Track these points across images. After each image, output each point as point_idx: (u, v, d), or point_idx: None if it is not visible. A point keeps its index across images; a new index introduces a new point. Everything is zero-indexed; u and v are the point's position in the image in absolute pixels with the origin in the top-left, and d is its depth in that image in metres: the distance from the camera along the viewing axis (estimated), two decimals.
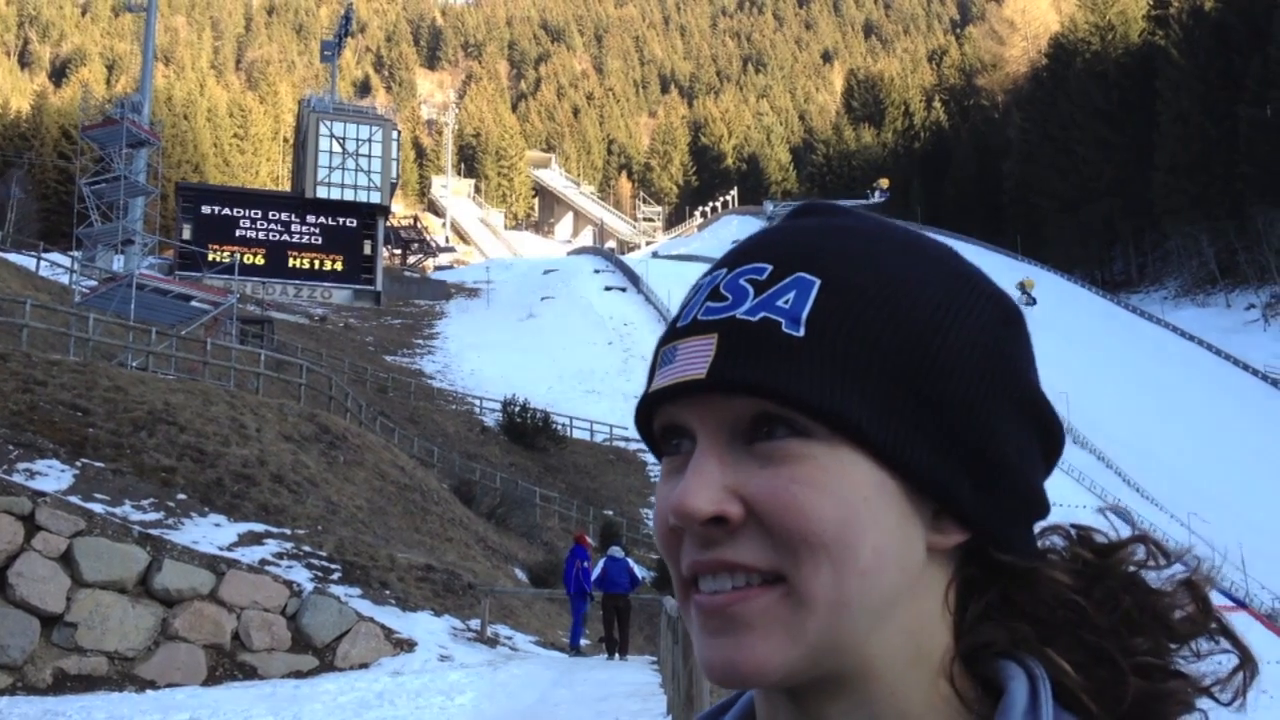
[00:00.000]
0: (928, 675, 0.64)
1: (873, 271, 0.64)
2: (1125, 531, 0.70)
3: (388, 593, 14.66)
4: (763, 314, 0.63)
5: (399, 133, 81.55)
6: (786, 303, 0.63)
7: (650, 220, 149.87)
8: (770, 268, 0.64)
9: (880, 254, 0.66)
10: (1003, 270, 70.52)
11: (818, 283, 0.63)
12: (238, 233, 65.74)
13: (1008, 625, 0.65)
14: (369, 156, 71.43)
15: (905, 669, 0.64)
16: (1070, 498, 34.72)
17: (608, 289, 79.58)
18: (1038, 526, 0.69)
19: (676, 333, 0.66)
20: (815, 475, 0.61)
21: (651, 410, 0.68)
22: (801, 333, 0.62)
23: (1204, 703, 0.65)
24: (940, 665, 0.65)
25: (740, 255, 0.67)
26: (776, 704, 0.67)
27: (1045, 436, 0.69)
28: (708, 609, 0.63)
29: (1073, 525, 0.70)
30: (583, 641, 16.24)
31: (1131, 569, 0.67)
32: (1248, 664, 0.65)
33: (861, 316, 0.62)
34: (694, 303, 0.67)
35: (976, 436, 0.64)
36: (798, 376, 0.61)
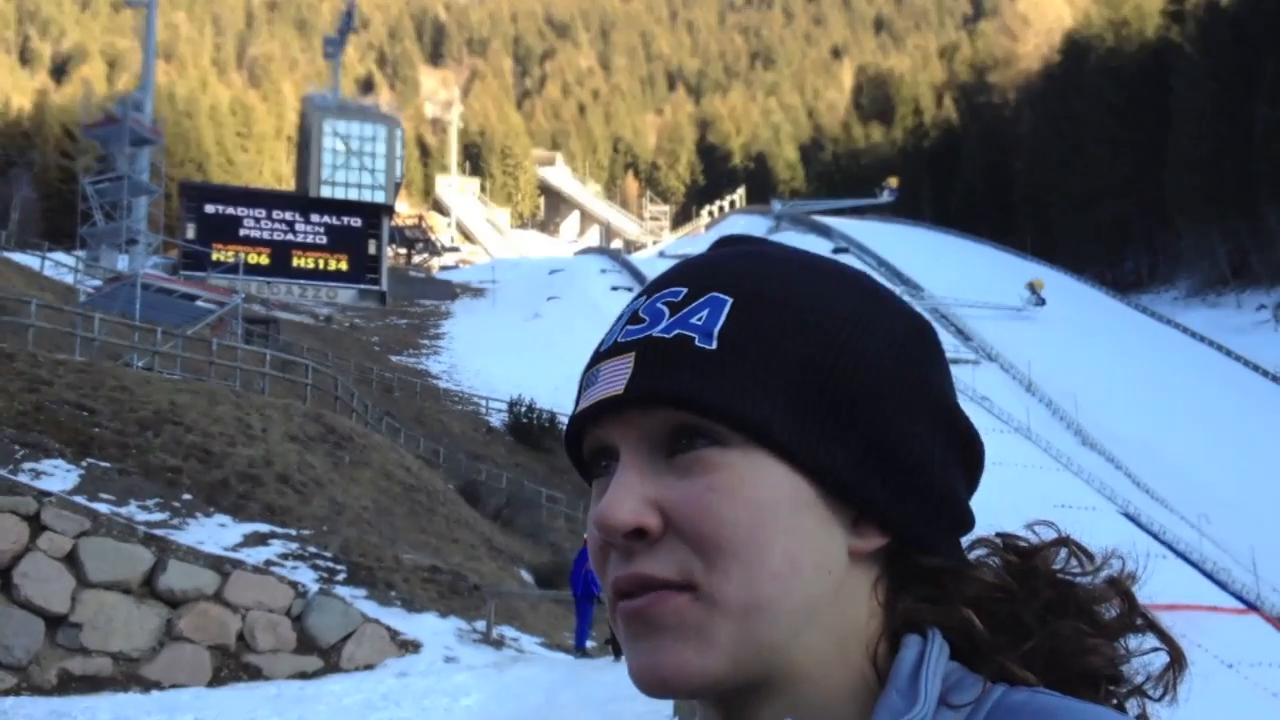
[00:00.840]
0: (857, 668, 0.65)
1: (782, 288, 0.67)
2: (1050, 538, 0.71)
3: (393, 594, 14.57)
4: (677, 331, 0.65)
5: (403, 131, 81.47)
6: (700, 320, 0.65)
7: (657, 219, 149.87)
8: (685, 290, 0.67)
9: (790, 274, 0.69)
10: (1012, 270, 70.34)
11: (729, 300, 0.66)
12: (242, 232, 65.70)
13: (934, 605, 0.67)
14: (373, 155, 71.36)
15: (834, 668, 0.65)
16: (1079, 499, 34.56)
17: (614, 289, 79.43)
18: (965, 540, 0.71)
19: (599, 356, 0.69)
20: (730, 482, 0.63)
21: (580, 434, 0.70)
22: (714, 346, 0.64)
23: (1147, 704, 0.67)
24: (868, 654, 0.66)
25: (659, 283, 0.70)
26: (710, 716, 0.68)
27: (963, 449, 0.70)
28: (626, 614, 0.64)
29: (997, 534, 0.72)
30: (589, 644, 16.15)
31: (1055, 568, 0.69)
32: (1177, 660, 0.67)
33: (772, 329, 0.65)
34: (615, 329, 0.70)
35: (889, 441, 0.66)
36: (711, 386, 0.63)
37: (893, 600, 0.67)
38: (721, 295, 0.66)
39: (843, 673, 0.65)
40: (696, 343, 0.64)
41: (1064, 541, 0.70)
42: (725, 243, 0.76)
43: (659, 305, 0.68)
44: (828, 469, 0.64)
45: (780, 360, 0.64)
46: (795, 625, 0.63)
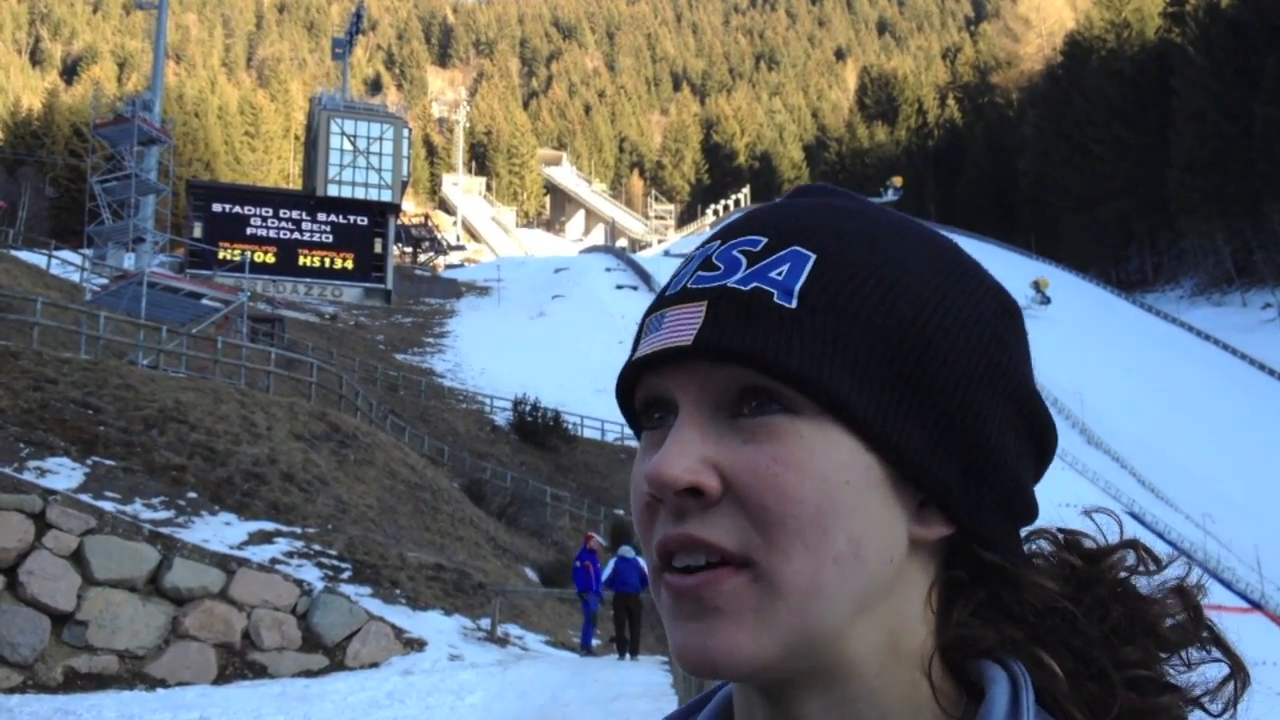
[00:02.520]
0: (908, 674, 0.62)
1: (869, 250, 0.63)
2: (1114, 534, 0.67)
3: (398, 592, 14.61)
4: (755, 284, 0.61)
5: (410, 130, 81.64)
6: (780, 274, 0.61)
7: (662, 218, 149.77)
8: (765, 240, 0.63)
9: (878, 236, 0.64)
10: (1017, 269, 70.26)
11: (813, 257, 0.62)
12: (249, 231, 65.77)
13: (995, 626, 0.63)
14: (380, 154, 71.48)
15: (885, 667, 0.62)
16: (1084, 498, 34.52)
17: (619, 287, 79.52)
18: (1024, 531, 0.68)
19: (664, 300, 0.64)
20: (798, 454, 0.59)
21: (634, 381, 0.66)
22: (794, 304, 0.60)
23: (1196, 715, 0.64)
24: (920, 664, 0.62)
25: (735, 228, 0.66)
26: (753, 700, 0.65)
27: (1037, 438, 0.67)
28: (677, 590, 0.61)
29: (1059, 530, 0.68)
30: (594, 641, 16.17)
31: (1121, 575, 0.65)
32: (1239, 674, 0.63)
33: (856, 293, 0.61)
34: (684, 272, 0.65)
35: (968, 424, 0.62)
36: (787, 348, 0.59)
37: (948, 602, 0.64)
38: (804, 250, 0.62)
39: (894, 673, 0.62)
40: (775, 299, 0.60)
41: (1131, 544, 0.66)
42: (804, 192, 0.71)
43: (735, 253, 0.63)
44: (903, 449, 0.60)
45: (863, 328, 0.60)
46: (851, 613, 0.60)
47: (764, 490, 0.59)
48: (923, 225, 0.68)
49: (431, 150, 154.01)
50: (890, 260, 0.63)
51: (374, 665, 12.40)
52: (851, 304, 0.61)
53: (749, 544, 0.59)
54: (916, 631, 0.63)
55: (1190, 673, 0.64)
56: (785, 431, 0.59)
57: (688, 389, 0.62)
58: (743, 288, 0.61)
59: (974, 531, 0.63)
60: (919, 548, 0.63)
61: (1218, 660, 0.64)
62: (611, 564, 15.86)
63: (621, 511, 34.93)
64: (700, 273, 0.63)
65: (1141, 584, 0.65)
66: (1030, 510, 0.67)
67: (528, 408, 40.26)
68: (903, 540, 0.62)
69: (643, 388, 0.65)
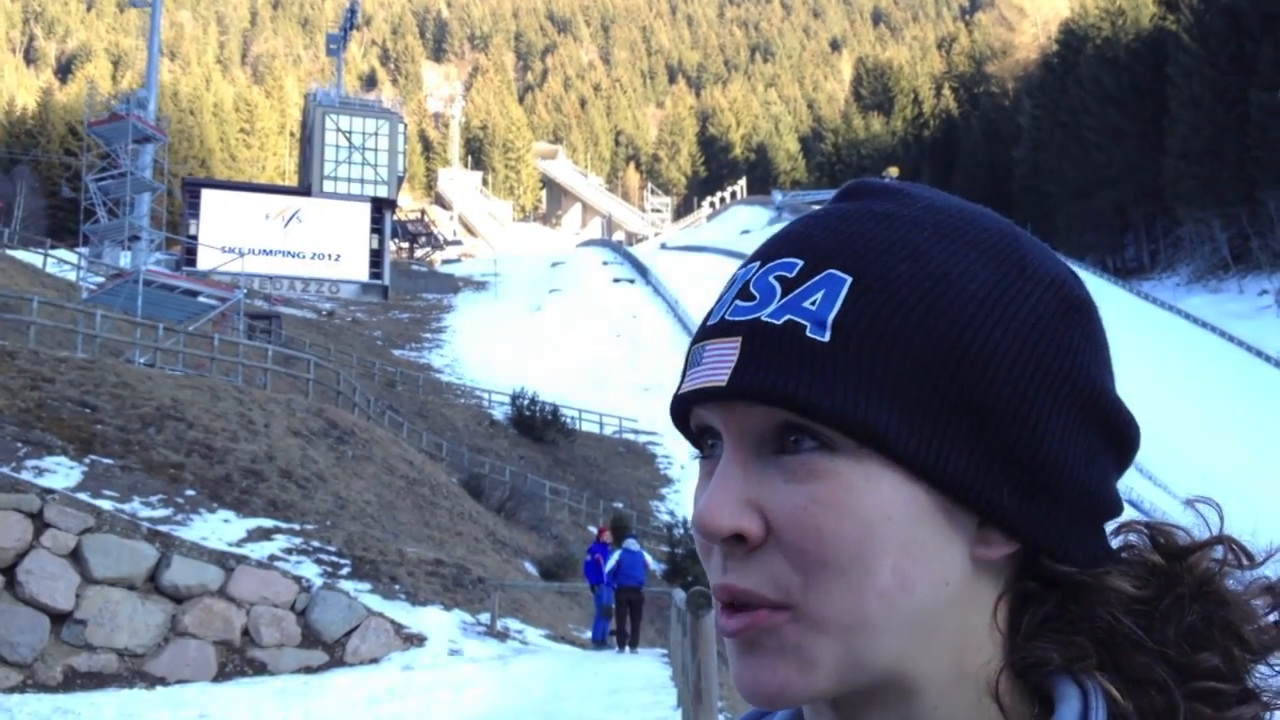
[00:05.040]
0: (974, 692, 0.61)
1: (909, 266, 0.60)
2: (1215, 526, 0.63)
3: (397, 587, 14.61)
4: (787, 316, 0.59)
5: (405, 126, 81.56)
6: (813, 304, 0.59)
7: (659, 211, 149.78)
8: (800, 263, 0.61)
9: (920, 244, 0.61)
10: None
11: (848, 280, 0.59)
12: (245, 228, 65.76)
13: (1063, 640, 0.60)
14: (375, 150, 71.48)
15: (949, 685, 0.60)
16: None
17: (616, 281, 79.53)
18: (1112, 524, 0.65)
19: (706, 332, 0.63)
20: (837, 495, 0.58)
21: (687, 408, 0.65)
22: (826, 337, 0.58)
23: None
24: (987, 684, 0.60)
25: (775, 247, 0.63)
26: (821, 710, 0.65)
27: (1116, 436, 0.64)
28: (726, 633, 0.61)
29: (1148, 523, 0.65)
30: (607, 635, 16.15)
31: (1207, 573, 0.62)
32: None
33: (894, 316, 0.58)
34: (725, 299, 0.63)
35: (1021, 441, 0.59)
36: (820, 386, 0.57)
37: (1018, 613, 0.62)
38: (839, 274, 0.60)
39: (960, 691, 0.60)
40: (808, 332, 0.58)
41: (1222, 539, 0.62)
42: (850, 194, 0.67)
43: (770, 280, 0.61)
44: (949, 476, 0.58)
45: (902, 355, 0.58)
46: (904, 641, 0.59)
47: (802, 533, 0.58)
48: (978, 217, 0.64)
49: (427, 145, 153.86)
50: (934, 273, 0.60)
51: (374, 661, 12.40)
52: (889, 330, 0.58)
53: (788, 587, 0.58)
54: (982, 648, 0.61)
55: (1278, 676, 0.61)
56: (823, 470, 0.58)
57: (729, 425, 0.61)
58: (775, 321, 0.59)
59: (1040, 545, 0.61)
60: (984, 564, 0.61)
61: None
62: (616, 556, 15.88)
63: (621, 505, 34.97)
64: (738, 302, 0.62)
65: (1230, 583, 0.62)
66: (1111, 507, 0.64)
67: (526, 402, 40.25)
68: (961, 563, 0.60)
69: (694, 416, 0.64)
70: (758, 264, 0.63)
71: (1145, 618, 0.60)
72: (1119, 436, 0.64)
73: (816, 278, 0.60)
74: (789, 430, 0.59)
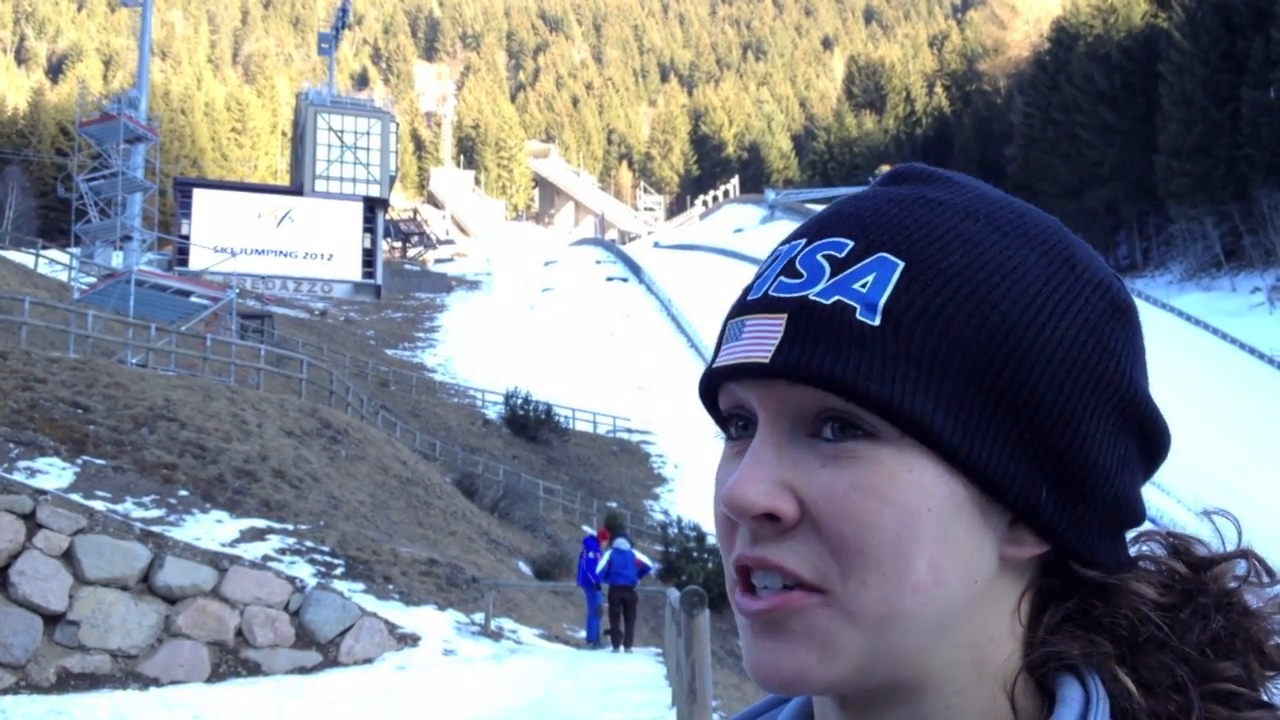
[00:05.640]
0: (988, 689, 0.60)
1: (962, 255, 0.59)
2: (1232, 540, 0.63)
3: (391, 587, 14.58)
4: (836, 297, 0.58)
5: (397, 125, 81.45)
6: (864, 286, 0.58)
7: (651, 210, 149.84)
8: (851, 244, 0.60)
9: (974, 235, 0.60)
10: None
11: (900, 265, 0.58)
12: (237, 227, 65.65)
13: (1083, 638, 0.60)
14: (367, 149, 71.42)
15: (965, 683, 0.60)
16: None
17: (609, 280, 79.54)
18: (1132, 533, 0.65)
19: (747, 306, 0.61)
20: (878, 482, 0.57)
21: (717, 385, 0.63)
22: (877, 321, 0.57)
23: None
24: (1004, 682, 0.60)
25: (822, 226, 0.62)
26: (829, 708, 0.64)
27: (1149, 443, 0.64)
28: (749, 612, 0.59)
29: (1170, 533, 0.64)
30: (599, 634, 16.19)
31: (1229, 586, 0.61)
32: None
33: (945, 307, 0.57)
34: (767, 274, 0.62)
35: (1064, 442, 0.58)
36: (868, 370, 0.56)
37: (1039, 610, 0.61)
38: (891, 258, 0.58)
39: (975, 690, 0.60)
40: (858, 314, 0.57)
41: (1244, 554, 0.62)
42: (900, 178, 0.66)
43: (819, 258, 0.60)
44: (989, 472, 0.57)
45: (951, 345, 0.57)
46: (930, 636, 0.58)
47: (842, 519, 0.57)
48: (1028, 213, 0.63)
49: (419, 144, 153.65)
50: (985, 264, 0.59)
51: (368, 661, 12.38)
52: (940, 319, 0.57)
53: (825, 571, 0.57)
54: (1002, 645, 0.60)
55: None
56: (865, 457, 0.57)
57: (766, 405, 0.60)
58: (824, 301, 0.58)
59: (1070, 548, 0.61)
60: (1009, 564, 0.60)
61: None
62: (606, 555, 15.92)
63: (615, 504, 34.96)
64: (783, 278, 0.60)
65: (1250, 597, 0.61)
66: (1136, 514, 0.63)
67: (519, 401, 40.22)
68: (991, 561, 0.59)
69: (725, 394, 0.63)
70: (803, 240, 0.61)
71: (1168, 623, 0.60)
72: (1152, 444, 0.64)
73: (868, 260, 0.59)
74: (829, 416, 0.58)
